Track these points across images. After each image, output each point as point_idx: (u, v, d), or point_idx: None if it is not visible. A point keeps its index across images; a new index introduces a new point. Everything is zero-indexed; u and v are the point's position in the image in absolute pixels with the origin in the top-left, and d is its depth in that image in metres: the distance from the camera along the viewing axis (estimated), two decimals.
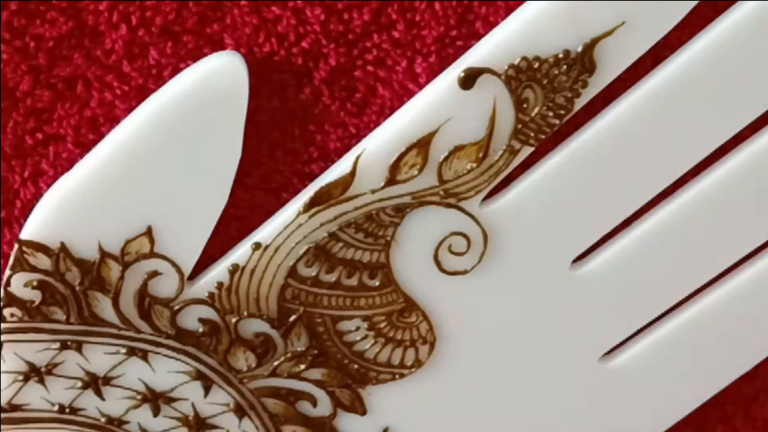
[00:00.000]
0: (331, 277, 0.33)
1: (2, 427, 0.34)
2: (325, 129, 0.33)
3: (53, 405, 0.34)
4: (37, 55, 0.33)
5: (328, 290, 0.33)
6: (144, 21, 0.32)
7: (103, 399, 0.34)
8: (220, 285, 0.33)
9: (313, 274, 0.33)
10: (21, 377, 0.34)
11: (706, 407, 0.36)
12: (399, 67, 0.33)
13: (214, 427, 0.35)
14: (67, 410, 0.34)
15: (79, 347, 0.33)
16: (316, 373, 0.34)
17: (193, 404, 0.34)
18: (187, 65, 0.32)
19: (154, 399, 0.34)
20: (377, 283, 0.33)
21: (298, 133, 0.33)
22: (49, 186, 0.32)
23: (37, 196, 0.34)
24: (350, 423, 0.35)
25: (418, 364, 0.34)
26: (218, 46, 0.32)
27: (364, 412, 0.35)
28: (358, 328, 0.33)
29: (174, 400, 0.34)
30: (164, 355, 0.34)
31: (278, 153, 0.34)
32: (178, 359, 0.34)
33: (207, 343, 0.34)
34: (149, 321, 0.33)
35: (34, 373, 0.34)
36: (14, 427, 0.34)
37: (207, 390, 0.34)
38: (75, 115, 0.33)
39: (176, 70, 0.32)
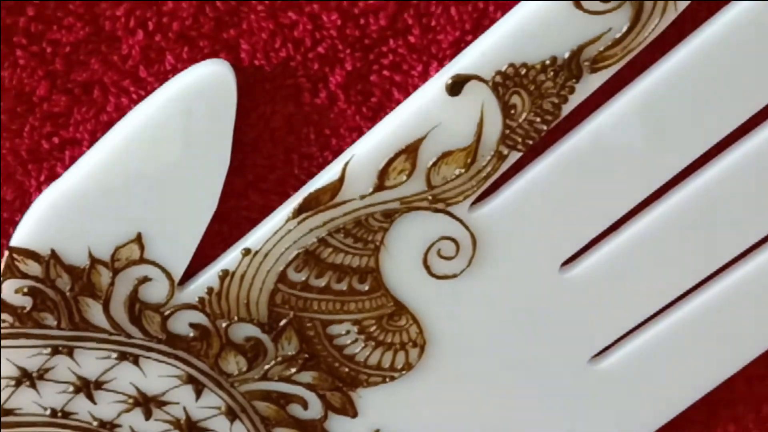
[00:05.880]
0: (321, 282, 0.33)
1: None
2: (340, 133, 0.33)
3: (45, 409, 0.34)
4: (54, 60, 0.32)
5: (317, 295, 0.33)
6: (161, 26, 0.32)
7: (94, 403, 0.34)
8: (210, 290, 0.33)
9: (303, 279, 0.33)
10: (13, 382, 0.34)
11: (718, 407, 0.36)
12: (415, 71, 0.33)
13: (206, 430, 0.35)
14: (60, 414, 0.35)
15: (70, 352, 0.34)
16: (307, 377, 0.34)
17: (184, 408, 0.35)
18: None
19: (146, 403, 0.34)
20: (367, 288, 0.33)
21: (314, 137, 0.33)
22: None
23: None
24: (341, 425, 0.35)
25: (408, 367, 0.34)
26: (234, 51, 0.32)
27: (355, 415, 0.35)
28: (348, 332, 0.34)
29: (165, 403, 0.35)
30: (155, 360, 0.34)
31: (293, 157, 0.33)
32: (169, 363, 0.34)
33: (198, 347, 0.34)
34: (140, 326, 0.33)
35: (26, 378, 0.34)
36: (7, 431, 0.34)
37: (198, 394, 0.34)
38: (91, 119, 0.33)
39: None
